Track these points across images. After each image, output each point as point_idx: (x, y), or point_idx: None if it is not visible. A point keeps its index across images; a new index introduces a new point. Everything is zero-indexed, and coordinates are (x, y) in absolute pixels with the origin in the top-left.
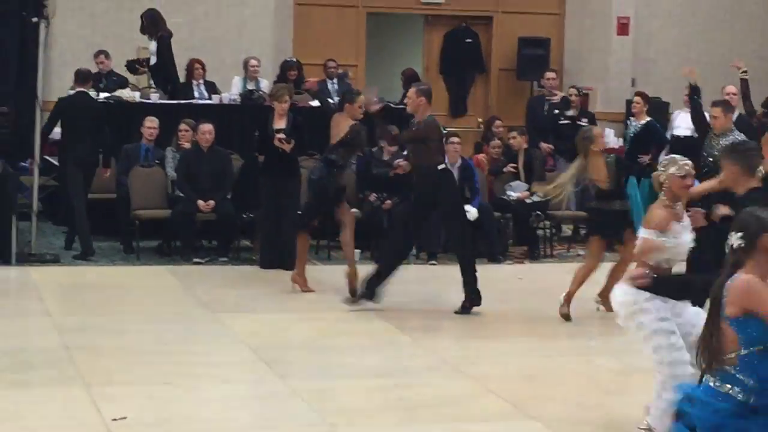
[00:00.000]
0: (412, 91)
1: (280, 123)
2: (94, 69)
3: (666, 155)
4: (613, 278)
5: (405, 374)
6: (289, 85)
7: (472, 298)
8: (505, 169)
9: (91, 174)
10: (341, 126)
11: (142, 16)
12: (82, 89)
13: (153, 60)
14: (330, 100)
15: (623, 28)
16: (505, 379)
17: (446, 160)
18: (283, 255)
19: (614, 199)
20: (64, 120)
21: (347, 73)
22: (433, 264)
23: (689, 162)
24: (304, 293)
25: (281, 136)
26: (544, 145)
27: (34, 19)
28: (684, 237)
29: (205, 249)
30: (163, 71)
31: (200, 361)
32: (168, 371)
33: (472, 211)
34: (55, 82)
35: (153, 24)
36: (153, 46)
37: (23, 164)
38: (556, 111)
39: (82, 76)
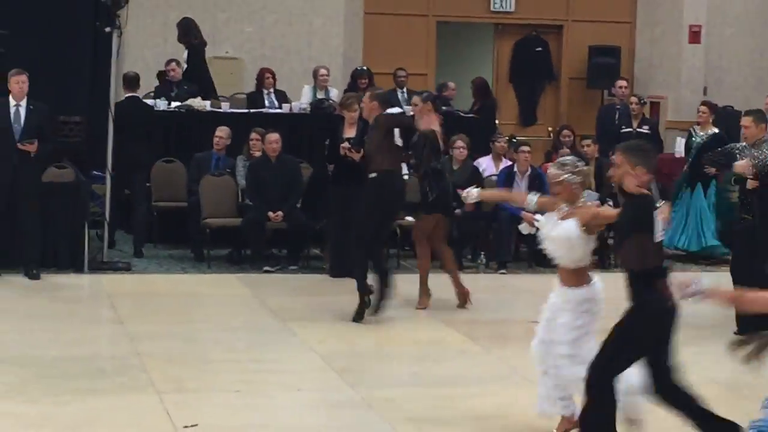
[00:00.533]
0: (366, 95)
1: (350, 132)
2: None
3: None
4: None
5: (475, 383)
6: (359, 93)
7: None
8: None
9: (143, 177)
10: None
11: (177, 25)
12: (132, 94)
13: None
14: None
15: (695, 36)
16: None
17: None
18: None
19: None
20: (118, 124)
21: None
22: (503, 273)
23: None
24: None
25: (345, 144)
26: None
27: (107, 29)
28: (547, 230)
29: (276, 257)
30: (194, 79)
31: (270, 368)
32: (238, 379)
33: (542, 221)
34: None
35: (185, 32)
36: (185, 54)
37: (96, 173)
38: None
39: (129, 81)
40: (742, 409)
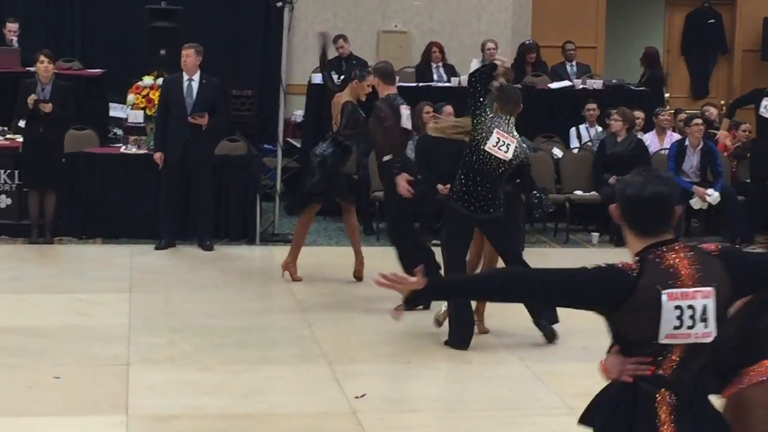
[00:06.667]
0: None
1: None
2: (333, 53)
3: None
4: None
5: None
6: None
7: None
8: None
9: None
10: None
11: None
12: None
13: None
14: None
15: None
16: None
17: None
18: None
19: None
20: None
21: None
22: None
23: None
24: None
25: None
26: None
27: (279, 4)
28: None
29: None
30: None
31: (439, 341)
32: (407, 351)
33: (714, 195)
34: (297, 66)
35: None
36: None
37: (267, 146)
38: None
39: None
40: None
